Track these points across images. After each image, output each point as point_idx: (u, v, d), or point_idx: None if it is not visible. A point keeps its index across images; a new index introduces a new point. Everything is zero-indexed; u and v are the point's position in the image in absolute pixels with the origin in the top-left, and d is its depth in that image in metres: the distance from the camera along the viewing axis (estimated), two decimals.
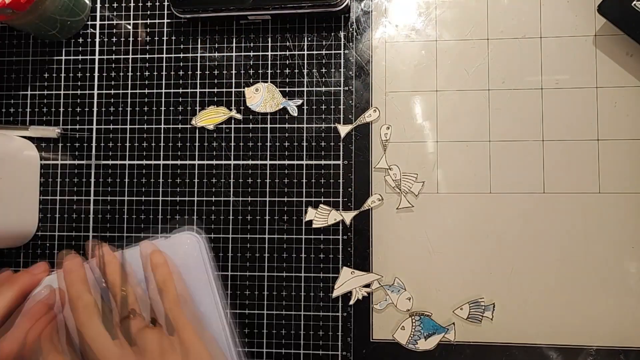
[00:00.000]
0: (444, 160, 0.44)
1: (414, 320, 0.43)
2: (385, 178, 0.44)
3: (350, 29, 0.46)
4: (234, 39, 0.47)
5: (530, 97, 0.43)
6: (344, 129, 0.45)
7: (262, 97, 0.46)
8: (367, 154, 0.45)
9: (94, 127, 0.48)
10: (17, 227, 0.45)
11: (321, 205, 0.45)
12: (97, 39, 0.48)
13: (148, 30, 0.48)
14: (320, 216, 0.45)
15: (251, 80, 0.46)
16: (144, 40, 0.48)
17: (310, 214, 0.45)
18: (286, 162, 0.45)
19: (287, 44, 0.46)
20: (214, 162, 0.46)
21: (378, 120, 0.45)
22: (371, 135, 0.45)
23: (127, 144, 0.47)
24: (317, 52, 0.46)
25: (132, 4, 0.48)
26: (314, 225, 0.45)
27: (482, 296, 0.43)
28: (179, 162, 0.46)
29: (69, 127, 0.48)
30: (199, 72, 0.47)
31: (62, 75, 0.48)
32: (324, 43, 0.46)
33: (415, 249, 0.43)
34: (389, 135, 0.44)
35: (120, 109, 0.47)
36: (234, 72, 0.47)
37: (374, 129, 0.45)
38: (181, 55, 0.47)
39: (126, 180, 0.47)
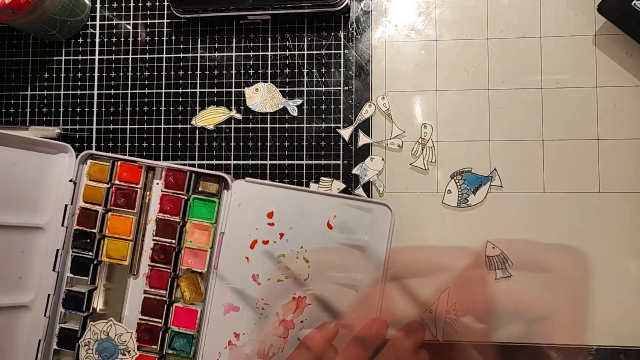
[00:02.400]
0: (444, 160, 0.44)
1: (457, 181, 0.43)
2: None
3: (350, 29, 0.46)
4: (234, 39, 0.47)
5: (530, 97, 0.43)
6: (346, 132, 0.45)
7: (262, 97, 0.46)
8: (367, 153, 0.45)
9: (94, 127, 0.48)
10: None
11: None
12: (97, 39, 0.48)
13: (148, 30, 0.48)
14: None
15: (251, 80, 0.46)
16: (144, 40, 0.48)
17: None
18: (286, 162, 0.45)
19: (287, 44, 0.46)
20: (214, 162, 0.46)
21: (375, 115, 0.45)
22: (371, 135, 0.45)
23: (127, 144, 0.47)
24: (317, 52, 0.46)
25: (132, 4, 0.48)
26: None
27: None
28: (179, 162, 0.46)
29: (69, 127, 0.48)
30: (199, 72, 0.47)
31: (62, 75, 0.48)
32: (324, 43, 0.46)
33: None
34: (388, 105, 0.44)
35: (120, 109, 0.47)
36: (234, 72, 0.47)
37: (374, 129, 0.45)
38: (181, 55, 0.47)
39: None
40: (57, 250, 0.43)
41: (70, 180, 0.43)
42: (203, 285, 0.43)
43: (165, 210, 0.43)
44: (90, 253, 0.43)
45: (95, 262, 0.43)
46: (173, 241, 0.43)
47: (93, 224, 0.43)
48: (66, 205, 0.43)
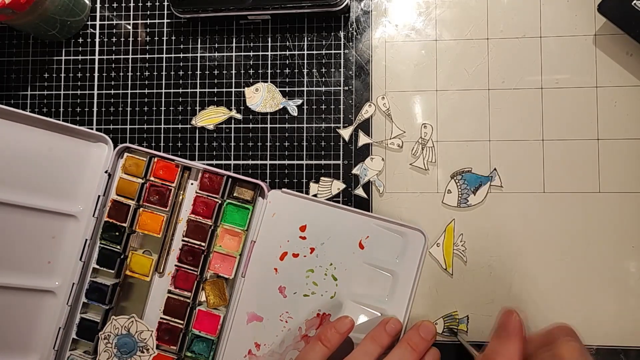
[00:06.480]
0: (444, 160, 0.44)
1: (457, 181, 0.43)
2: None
3: (350, 29, 0.46)
4: (234, 39, 0.47)
5: (530, 96, 0.43)
6: (346, 132, 0.45)
7: (262, 97, 0.46)
8: (367, 153, 0.45)
9: (94, 127, 0.48)
10: None
11: None
12: (97, 39, 0.48)
13: (148, 30, 0.48)
14: None
15: (251, 80, 0.46)
16: (144, 40, 0.48)
17: None
18: (286, 162, 0.45)
19: (287, 44, 0.46)
20: (214, 162, 0.46)
21: (375, 115, 0.45)
22: (371, 135, 0.45)
23: (127, 144, 0.47)
24: (317, 52, 0.46)
25: (132, 4, 0.48)
26: None
27: (456, 310, 0.43)
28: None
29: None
30: (199, 72, 0.47)
31: (62, 75, 0.48)
32: (324, 43, 0.46)
33: None
34: (388, 105, 0.44)
35: (120, 108, 0.47)
36: (234, 72, 0.47)
37: (374, 129, 0.45)
38: (181, 55, 0.47)
39: None
40: (86, 240, 0.43)
41: (106, 172, 0.43)
42: (228, 291, 0.43)
43: (198, 212, 0.42)
44: (118, 247, 0.43)
45: (122, 257, 0.43)
46: (203, 244, 0.42)
47: (124, 218, 0.43)
48: (99, 196, 0.43)
